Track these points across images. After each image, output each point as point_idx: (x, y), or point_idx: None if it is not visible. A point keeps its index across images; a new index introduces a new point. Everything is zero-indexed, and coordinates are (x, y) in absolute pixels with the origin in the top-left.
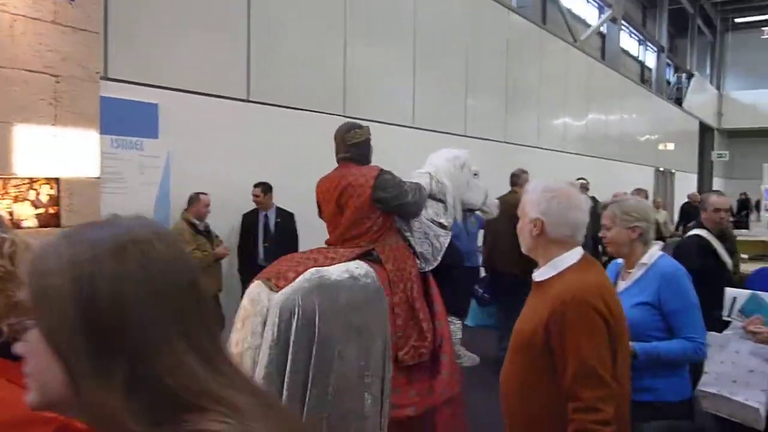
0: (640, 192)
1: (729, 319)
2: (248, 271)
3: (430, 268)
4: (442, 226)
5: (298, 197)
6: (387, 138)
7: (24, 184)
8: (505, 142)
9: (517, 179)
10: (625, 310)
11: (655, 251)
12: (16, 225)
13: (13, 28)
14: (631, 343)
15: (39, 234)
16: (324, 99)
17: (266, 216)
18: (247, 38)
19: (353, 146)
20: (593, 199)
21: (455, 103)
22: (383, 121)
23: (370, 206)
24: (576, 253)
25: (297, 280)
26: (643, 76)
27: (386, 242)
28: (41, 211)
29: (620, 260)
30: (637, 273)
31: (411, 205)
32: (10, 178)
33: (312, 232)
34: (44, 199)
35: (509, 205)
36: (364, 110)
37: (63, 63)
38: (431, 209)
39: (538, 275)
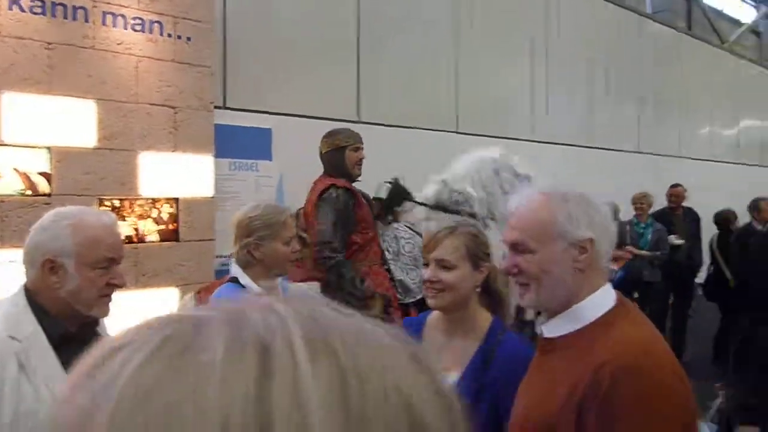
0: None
1: None
2: None
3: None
4: None
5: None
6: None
7: (147, 203)
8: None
9: None
10: None
11: None
12: (140, 239)
13: (138, 68)
14: None
15: (160, 247)
16: (435, 116)
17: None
18: (357, 63)
19: (322, 156)
20: None
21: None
22: (501, 136)
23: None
24: (611, 292)
25: None
26: None
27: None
28: (162, 227)
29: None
30: None
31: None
32: (136, 199)
33: None
34: (165, 216)
35: None
36: (478, 126)
37: (180, 96)
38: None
39: (552, 328)
